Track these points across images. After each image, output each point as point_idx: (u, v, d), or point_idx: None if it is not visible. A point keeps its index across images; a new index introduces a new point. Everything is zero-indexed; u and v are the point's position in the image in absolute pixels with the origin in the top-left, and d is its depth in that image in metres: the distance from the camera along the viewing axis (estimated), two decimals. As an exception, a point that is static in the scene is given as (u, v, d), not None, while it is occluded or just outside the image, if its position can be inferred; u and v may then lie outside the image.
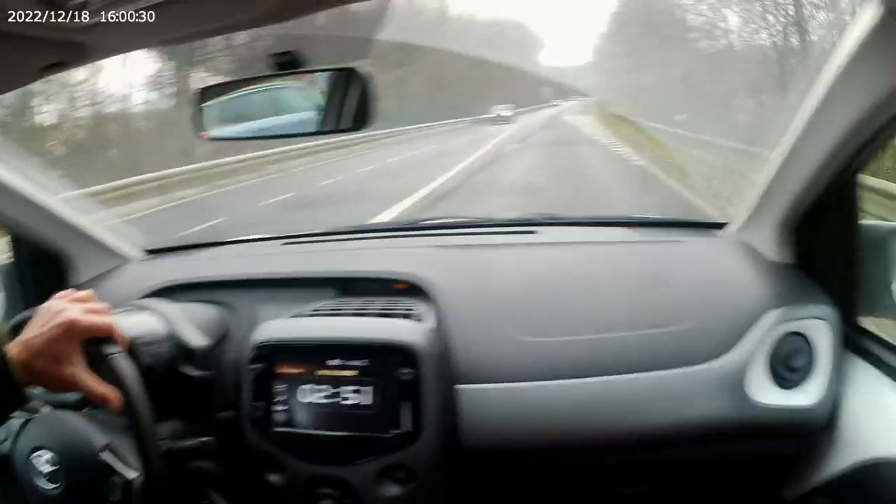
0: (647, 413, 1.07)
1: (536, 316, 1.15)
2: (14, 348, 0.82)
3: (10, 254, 1.42)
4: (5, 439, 0.89)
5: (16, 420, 0.89)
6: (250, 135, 1.07)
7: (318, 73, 0.98)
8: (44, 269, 1.40)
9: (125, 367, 0.85)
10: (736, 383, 1.07)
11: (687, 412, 1.07)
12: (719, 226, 1.42)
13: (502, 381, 1.09)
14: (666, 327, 1.12)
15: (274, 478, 1.09)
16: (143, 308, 1.11)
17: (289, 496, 1.09)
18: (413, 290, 1.21)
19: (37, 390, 0.87)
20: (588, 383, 1.08)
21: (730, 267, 1.26)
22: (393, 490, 1.05)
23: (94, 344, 0.85)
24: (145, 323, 1.05)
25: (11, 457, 0.87)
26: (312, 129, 1.02)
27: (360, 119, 0.96)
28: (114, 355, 0.85)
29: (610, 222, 1.55)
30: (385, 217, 6.78)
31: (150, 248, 1.56)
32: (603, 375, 1.08)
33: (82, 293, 0.91)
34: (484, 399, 1.08)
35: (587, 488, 1.38)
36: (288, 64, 0.95)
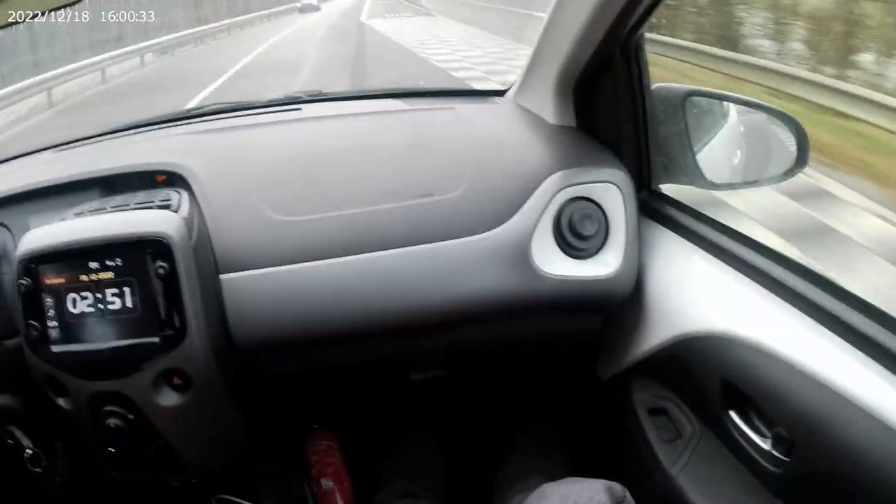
0: (424, 288, 1.01)
1: (295, 193, 1.05)
2: None
3: None
4: None
5: None
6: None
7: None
8: None
9: None
10: (519, 253, 1.02)
11: (468, 285, 1.02)
12: (499, 93, 1.36)
13: (262, 266, 1.00)
14: (436, 196, 1.05)
15: (61, 402, 0.98)
16: None
17: (78, 419, 0.98)
18: (172, 179, 1.10)
19: None
20: (354, 261, 1.00)
21: (505, 131, 1.20)
22: (172, 398, 0.98)
23: None
24: None
25: None
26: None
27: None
28: None
29: (381, 95, 1.45)
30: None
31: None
32: (370, 252, 1.00)
33: None
34: (246, 287, 1.00)
35: (380, 377, 1.33)
36: None
